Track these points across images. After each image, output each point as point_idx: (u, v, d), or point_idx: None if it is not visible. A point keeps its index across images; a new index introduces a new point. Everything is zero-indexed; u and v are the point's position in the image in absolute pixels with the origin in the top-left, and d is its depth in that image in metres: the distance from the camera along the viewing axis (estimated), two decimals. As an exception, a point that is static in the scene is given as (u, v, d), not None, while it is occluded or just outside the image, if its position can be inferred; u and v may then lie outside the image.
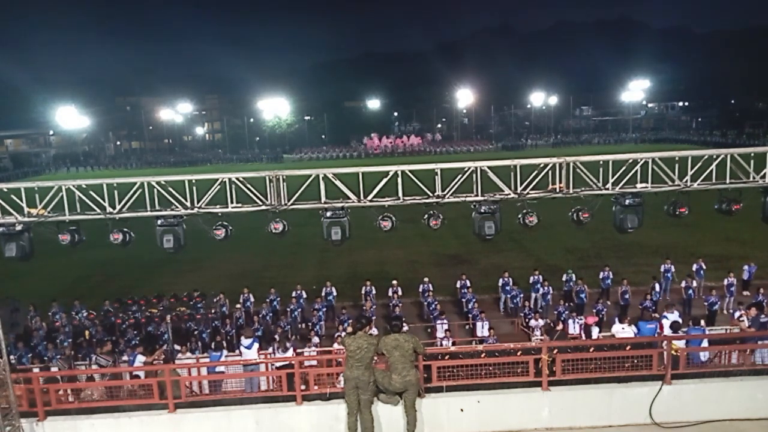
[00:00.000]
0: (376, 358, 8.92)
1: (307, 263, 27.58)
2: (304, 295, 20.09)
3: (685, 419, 9.17)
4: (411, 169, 10.14)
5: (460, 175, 10.14)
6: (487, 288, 21.68)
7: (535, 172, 10.06)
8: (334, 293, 20.08)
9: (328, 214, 10.19)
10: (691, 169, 10.05)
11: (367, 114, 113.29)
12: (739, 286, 19.98)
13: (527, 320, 18.08)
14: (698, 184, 10.07)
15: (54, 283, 25.31)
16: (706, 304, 18.49)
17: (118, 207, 9.96)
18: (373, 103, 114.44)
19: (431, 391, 9.38)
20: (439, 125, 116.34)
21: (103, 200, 9.96)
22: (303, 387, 9.44)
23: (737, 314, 14.31)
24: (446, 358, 9.90)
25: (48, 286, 24.35)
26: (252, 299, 19.97)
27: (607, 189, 9.99)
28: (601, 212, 10.55)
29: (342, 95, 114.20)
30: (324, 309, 19.42)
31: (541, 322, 17.36)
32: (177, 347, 15.88)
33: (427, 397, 9.28)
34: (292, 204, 10.04)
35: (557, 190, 9.96)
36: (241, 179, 10.13)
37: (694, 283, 19.82)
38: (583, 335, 16.07)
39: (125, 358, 14.66)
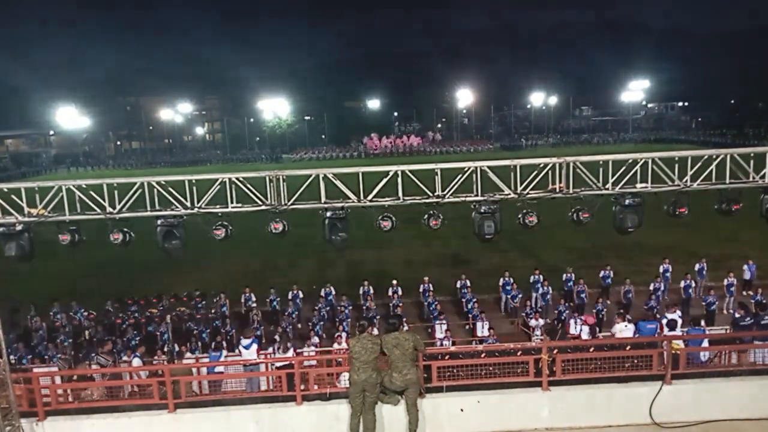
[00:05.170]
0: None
1: (307, 263, 27.57)
2: (301, 295, 20.10)
3: (685, 419, 9.18)
4: (411, 169, 10.11)
5: (460, 175, 10.11)
6: (487, 288, 21.65)
7: (535, 172, 10.04)
8: (334, 292, 20.07)
9: (329, 214, 10.18)
10: (691, 169, 10.02)
11: (367, 114, 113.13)
12: (740, 285, 19.97)
13: (527, 320, 18.10)
14: (698, 184, 10.04)
15: (54, 283, 25.27)
16: (704, 304, 18.51)
17: (118, 207, 9.95)
18: (373, 103, 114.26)
19: (431, 391, 9.38)
20: (439, 125, 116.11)
21: (103, 200, 9.94)
22: (303, 387, 9.45)
23: (737, 315, 14.31)
24: (446, 358, 9.92)
25: (48, 286, 24.31)
26: (254, 298, 19.97)
27: (607, 189, 9.96)
28: (601, 212, 10.52)
29: (342, 95, 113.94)
30: (326, 308, 19.43)
31: (541, 322, 17.38)
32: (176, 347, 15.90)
33: (427, 397, 9.28)
34: (292, 204, 10.03)
35: (557, 190, 9.95)
36: (241, 179, 10.12)
37: (694, 283, 19.82)
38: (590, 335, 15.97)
39: (125, 358, 14.66)
